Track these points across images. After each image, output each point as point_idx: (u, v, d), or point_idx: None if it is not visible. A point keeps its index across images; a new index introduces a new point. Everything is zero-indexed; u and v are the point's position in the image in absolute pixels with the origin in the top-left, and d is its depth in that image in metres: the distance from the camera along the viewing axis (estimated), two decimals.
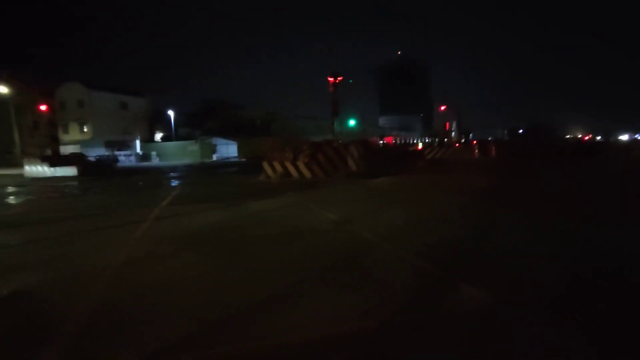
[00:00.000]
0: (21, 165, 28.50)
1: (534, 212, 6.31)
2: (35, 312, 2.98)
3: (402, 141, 40.77)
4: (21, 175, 20.80)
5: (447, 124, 30.49)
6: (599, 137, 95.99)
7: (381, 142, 41.39)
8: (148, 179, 17.62)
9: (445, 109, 29.80)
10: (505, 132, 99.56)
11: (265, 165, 14.35)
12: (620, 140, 78.88)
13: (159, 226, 6.07)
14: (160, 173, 21.90)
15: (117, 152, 42.32)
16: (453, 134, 36.41)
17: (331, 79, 20.65)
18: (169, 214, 7.09)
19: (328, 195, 9.26)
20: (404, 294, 3.09)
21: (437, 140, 30.22)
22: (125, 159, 42.05)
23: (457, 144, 27.72)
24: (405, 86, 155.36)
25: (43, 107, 21.00)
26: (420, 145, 28.00)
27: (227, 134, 47.34)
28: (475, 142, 28.03)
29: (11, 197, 11.60)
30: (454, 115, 30.26)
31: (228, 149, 45.61)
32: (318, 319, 2.67)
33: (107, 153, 40.72)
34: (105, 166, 25.90)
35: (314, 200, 8.15)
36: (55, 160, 20.52)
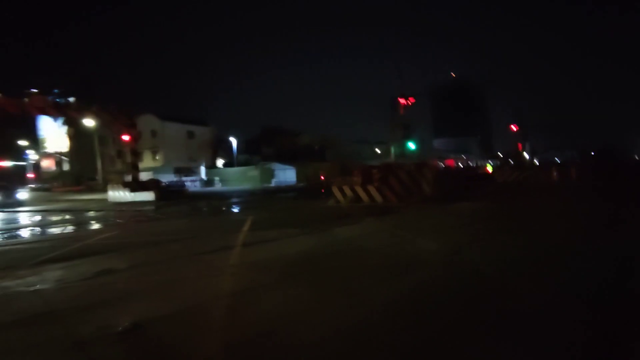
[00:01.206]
0: (103, 191, 30.98)
1: None
2: (166, 345, 2.80)
3: (466, 164, 39.01)
4: (105, 200, 22.50)
5: (520, 144, 28.65)
6: None
7: (442, 165, 39.94)
8: (218, 203, 18.16)
9: (517, 129, 28.11)
10: (575, 153, 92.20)
11: (335, 189, 14.11)
12: None
13: (251, 253, 5.92)
14: (227, 198, 22.57)
15: (184, 178, 44.79)
16: (526, 155, 34.15)
17: (402, 101, 20.27)
18: (255, 240, 6.97)
19: (412, 221, 8.72)
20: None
21: (508, 162, 28.40)
22: (191, 184, 44.29)
23: (533, 167, 25.85)
24: (461, 107, 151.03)
25: (126, 137, 22.80)
26: (489, 168, 26.51)
27: (284, 159, 48.51)
28: (554, 165, 25.97)
29: (102, 221, 12.35)
30: (525, 135, 28.42)
31: (286, 174, 46.51)
32: None
33: (175, 179, 43.22)
34: (178, 191, 27.35)
35: (401, 227, 7.68)
36: (135, 186, 21.99)
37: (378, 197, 13.04)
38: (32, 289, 4.53)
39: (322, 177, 33.40)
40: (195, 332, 3.02)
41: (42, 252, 6.84)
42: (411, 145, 33.25)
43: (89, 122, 33.14)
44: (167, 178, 41.93)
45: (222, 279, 4.51)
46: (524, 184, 21.45)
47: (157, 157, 47.95)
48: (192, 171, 48.21)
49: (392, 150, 26.74)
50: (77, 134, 46.26)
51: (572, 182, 22.60)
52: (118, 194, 22.22)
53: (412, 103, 20.52)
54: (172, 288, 4.29)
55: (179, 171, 46.48)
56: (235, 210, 14.38)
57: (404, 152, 29.52)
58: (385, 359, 2.47)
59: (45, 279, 4.92)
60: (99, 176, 44.23)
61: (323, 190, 23.91)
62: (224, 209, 15.20)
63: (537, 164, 28.53)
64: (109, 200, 22.19)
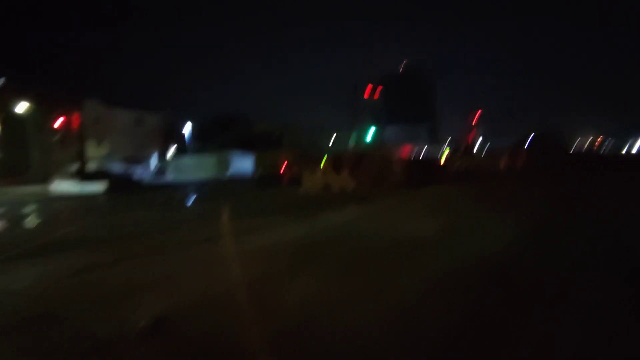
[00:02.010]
0: (41, 182, 28.43)
1: None
2: (205, 337, 2.62)
3: (421, 151, 40.57)
4: (48, 192, 20.62)
5: (472, 133, 30.20)
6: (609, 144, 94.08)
7: (399, 152, 41.05)
8: (181, 193, 17.38)
9: (472, 117, 29.55)
10: (516, 140, 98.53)
11: (306, 177, 14.04)
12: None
13: (246, 241, 5.71)
14: (187, 187, 21.67)
15: (133, 168, 42.27)
16: (478, 143, 36.15)
17: (370, 90, 20.37)
18: (243, 228, 6.73)
19: (393, 207, 8.90)
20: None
21: (461, 149, 29.91)
22: (141, 174, 41.95)
23: (484, 154, 27.42)
24: (411, 95, 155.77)
25: (71, 124, 20.94)
26: (445, 155, 27.75)
27: (241, 147, 47.29)
28: (504, 151, 27.65)
29: (57, 214, 11.35)
30: (478, 123, 30.06)
31: (243, 162, 45.45)
32: None
33: (124, 168, 40.67)
34: (132, 182, 25.71)
35: (386, 212, 7.83)
36: (84, 176, 20.37)
37: (350, 185, 13.15)
38: (14, 287, 4.06)
39: (284, 166, 33.07)
40: (230, 323, 2.86)
41: (4, 248, 6.15)
42: (370, 133, 33.89)
43: (22, 107, 30.07)
44: (114, 168, 39.37)
45: (230, 268, 4.32)
46: (477, 170, 22.67)
47: (102, 146, 44.74)
48: (143, 160, 45.60)
49: (353, 137, 27.04)
50: (7, 119, 41.87)
51: (518, 168, 24.24)
52: (64, 186, 20.46)
53: (379, 91, 20.77)
54: (180, 280, 4.04)
55: (127, 160, 43.74)
56: (203, 199, 13.84)
57: (363, 140, 30.04)
58: (433, 341, 2.49)
59: (25, 277, 4.43)
60: (34, 166, 40.51)
61: (286, 179, 23.71)
62: (190, 198, 14.58)
63: (487, 151, 30.42)
64: (53, 192, 20.36)
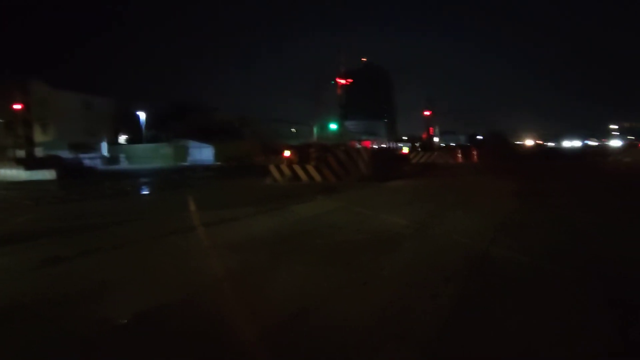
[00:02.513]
0: None
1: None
2: (194, 332, 2.53)
3: (382, 145, 41.37)
4: None
5: (431, 129, 31.22)
6: (551, 143, 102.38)
7: (358, 146, 41.57)
8: (138, 183, 16.59)
9: (429, 114, 30.51)
10: (465, 137, 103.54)
11: (273, 168, 13.90)
12: (570, 147, 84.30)
13: (219, 233, 5.59)
14: (143, 177, 20.71)
15: (81, 155, 39.64)
16: (436, 139, 37.40)
17: (341, 81, 20.35)
18: (214, 220, 6.55)
19: (362, 199, 9.02)
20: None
21: (420, 144, 30.86)
22: (90, 161, 39.47)
23: (440, 149, 28.53)
24: (370, 91, 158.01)
25: (17, 106, 19.18)
26: (405, 150, 28.56)
27: (198, 137, 45.77)
28: (458, 147, 28.97)
29: (4, 203, 10.45)
30: (435, 120, 31.20)
31: (202, 153, 44.13)
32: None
33: (71, 155, 38.05)
34: (84, 169, 24.08)
35: (357, 205, 7.92)
36: (31, 163, 18.81)
37: (317, 176, 13.20)
38: None
39: (246, 157, 32.52)
40: (219, 317, 2.81)
41: None
42: (332, 126, 34.01)
43: None
44: (61, 155, 36.69)
45: (208, 261, 4.22)
46: (435, 165, 23.57)
47: (47, 131, 41.54)
48: (91, 147, 42.87)
49: (316, 130, 27.02)
50: None
51: (473, 163, 25.54)
52: (9, 173, 18.83)
53: (349, 84, 20.84)
54: (154, 274, 3.89)
55: (74, 147, 40.92)
56: (163, 189, 13.30)
57: (326, 133, 30.08)
58: (424, 327, 2.58)
59: None
60: None
61: (247, 170, 23.36)
62: (149, 188, 13.97)
63: (444, 146, 31.61)
64: None
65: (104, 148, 44.21)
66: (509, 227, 5.71)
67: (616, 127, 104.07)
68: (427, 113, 30.26)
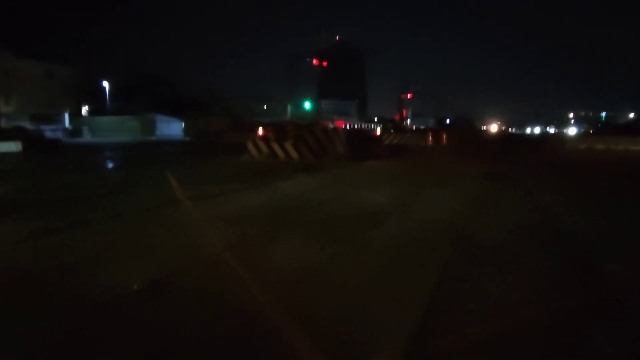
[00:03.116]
0: None
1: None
2: (208, 297, 2.70)
3: (354, 126, 41.68)
4: None
5: (404, 110, 31.74)
6: (514, 130, 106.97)
7: (331, 125, 41.75)
8: (109, 156, 16.07)
9: (407, 96, 30.96)
10: (433, 121, 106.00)
11: (250, 145, 13.86)
12: (531, 133, 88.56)
13: (208, 207, 5.67)
14: (112, 150, 20.03)
15: (42, 127, 37.41)
16: (408, 121, 38.04)
17: (316, 62, 20.20)
18: (199, 195, 6.61)
19: (343, 177, 9.26)
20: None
21: (392, 126, 31.38)
22: (51, 133, 37.39)
23: (412, 131, 29.17)
24: (342, 71, 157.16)
25: None
26: (378, 131, 28.99)
27: (166, 111, 44.27)
28: (429, 130, 29.74)
29: None
30: (408, 103, 31.69)
31: (170, 127, 42.91)
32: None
33: (32, 127, 35.84)
34: (51, 142, 22.84)
35: (338, 182, 8.18)
36: None
37: (294, 154, 13.31)
38: None
39: (217, 133, 31.91)
40: (228, 283, 2.98)
41: None
42: (307, 105, 33.94)
43: None
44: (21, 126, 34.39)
45: (204, 233, 4.34)
46: (407, 146, 24.18)
47: (9, 102, 38.67)
48: (53, 119, 40.49)
49: (289, 108, 26.88)
50: None
51: (442, 145, 26.41)
52: None
53: (324, 65, 20.74)
54: (152, 244, 3.98)
55: (35, 118, 38.50)
56: (138, 164, 13.00)
57: (300, 111, 29.99)
58: (417, 291, 2.89)
59: None
60: None
61: (217, 147, 23.04)
62: (121, 162, 13.60)
63: (416, 129, 32.38)
64: None
65: (66, 120, 41.91)
66: (482, 205, 6.16)
67: (572, 115, 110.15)
68: (407, 95, 30.68)
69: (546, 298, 2.82)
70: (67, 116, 41.85)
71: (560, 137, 43.97)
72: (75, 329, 2.31)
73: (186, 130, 38.84)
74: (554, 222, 5.14)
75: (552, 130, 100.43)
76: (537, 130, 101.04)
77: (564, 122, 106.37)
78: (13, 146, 17.24)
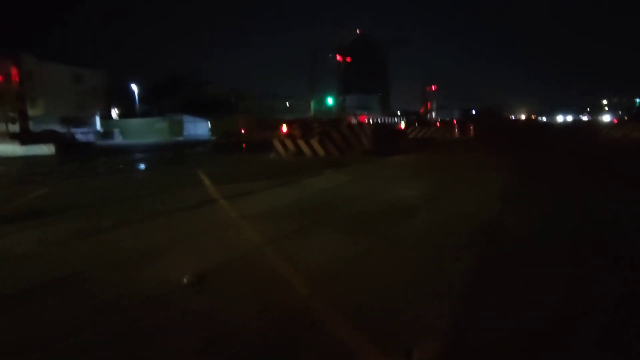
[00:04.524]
0: None
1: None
2: (256, 289, 2.84)
3: (377, 120, 41.43)
4: None
5: (428, 103, 31.27)
6: (543, 118, 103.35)
7: (354, 121, 41.60)
8: (142, 157, 16.68)
9: (431, 88, 30.49)
10: (458, 112, 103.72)
11: (277, 143, 14.06)
12: (562, 122, 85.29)
13: (243, 205, 5.85)
14: (144, 152, 20.74)
15: (73, 129, 39.11)
16: (433, 113, 37.52)
17: (340, 58, 20.23)
18: (232, 193, 6.81)
19: (371, 172, 9.29)
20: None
21: (417, 119, 31.01)
22: (83, 136, 39.03)
23: (437, 124, 28.71)
24: (364, 65, 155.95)
25: (9, 80, 18.84)
26: (403, 125, 28.72)
27: (192, 111, 45.33)
28: (455, 121, 29.19)
29: (11, 178, 10.55)
30: (433, 95, 31.17)
31: (196, 127, 43.84)
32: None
33: (62, 130, 37.56)
34: (83, 144, 23.93)
35: (366, 178, 8.24)
36: (27, 137, 18.67)
37: (320, 151, 13.41)
38: (18, 252, 3.98)
39: (243, 132, 32.46)
40: (272, 276, 3.11)
41: None
42: (329, 101, 33.96)
43: None
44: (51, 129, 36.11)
45: (242, 230, 4.50)
46: (433, 139, 23.83)
47: (36, 105, 40.67)
48: (83, 121, 42.22)
49: (312, 105, 27.02)
50: None
51: (470, 138, 25.86)
52: (3, 148, 18.67)
53: (349, 61, 20.73)
54: (194, 241, 4.17)
55: (66, 121, 40.29)
56: (170, 165, 13.45)
57: (324, 107, 30.08)
58: (454, 285, 2.92)
59: (20, 242, 4.33)
60: None
61: (244, 145, 23.43)
62: (154, 163, 14.09)
63: (440, 121, 31.91)
64: None
65: (97, 122, 43.59)
66: (514, 198, 6.08)
67: (606, 102, 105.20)
68: (432, 87, 30.16)
69: (580, 292, 2.79)
70: (98, 119, 43.47)
71: (594, 125, 42.23)
72: (133, 320, 2.49)
73: (212, 129, 39.63)
74: (589, 215, 5.02)
75: (585, 118, 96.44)
76: (569, 118, 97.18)
77: (597, 109, 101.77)
78: (46, 149, 18.09)
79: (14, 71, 18.70)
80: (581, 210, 5.21)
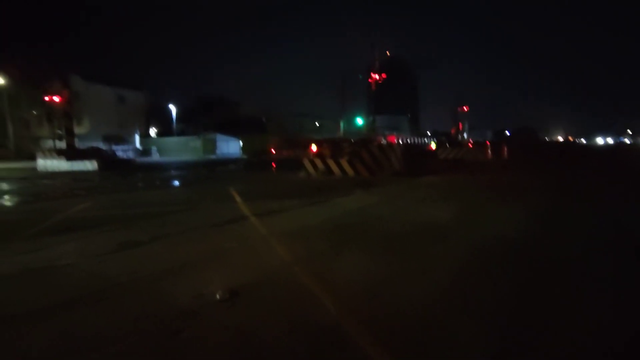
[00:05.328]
0: (18, 159, 27.44)
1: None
2: (288, 307, 2.85)
3: (407, 141, 41.18)
4: (34, 169, 20.08)
5: (460, 124, 30.86)
6: (582, 140, 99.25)
7: (384, 141, 41.47)
8: (178, 174, 17.28)
9: (462, 109, 30.14)
10: (491, 133, 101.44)
11: (307, 162, 14.22)
12: (603, 144, 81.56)
13: (273, 223, 5.92)
14: (180, 169, 21.48)
15: (114, 147, 41.20)
16: (465, 134, 36.97)
17: (374, 77, 20.46)
18: (263, 211, 6.91)
19: (400, 193, 9.21)
20: None
21: (448, 140, 30.55)
22: (123, 153, 40.98)
23: (469, 145, 28.16)
24: (394, 86, 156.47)
25: (57, 99, 20.25)
26: (433, 146, 28.39)
27: (224, 130, 46.80)
28: (488, 142, 28.56)
29: (58, 192, 11.16)
30: (464, 116, 30.80)
31: (228, 146, 45.14)
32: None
33: (104, 147, 39.63)
34: (124, 161, 25.15)
35: (396, 198, 8.15)
36: (72, 154, 19.82)
37: (350, 171, 13.43)
38: (59, 263, 4.17)
39: (273, 151, 33.09)
40: (305, 295, 3.11)
41: (24, 225, 6.15)
42: (359, 121, 34.15)
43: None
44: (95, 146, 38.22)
45: (273, 247, 4.54)
46: (464, 161, 23.34)
47: (81, 123, 43.32)
48: (124, 139, 44.47)
49: (342, 125, 27.28)
50: None
51: (503, 159, 25.14)
52: (50, 163, 19.89)
53: (380, 80, 20.92)
54: (227, 257, 4.24)
55: (108, 139, 42.58)
56: (204, 181, 13.85)
57: (354, 127, 30.25)
58: (490, 309, 2.81)
59: (63, 253, 4.54)
60: (10, 142, 38.96)
61: (274, 164, 23.79)
62: (189, 180, 14.56)
63: (472, 142, 31.28)
64: (41, 169, 19.83)
65: (137, 140, 45.73)
66: (550, 221, 5.83)
67: None
68: (464, 108, 29.82)
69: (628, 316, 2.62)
70: (137, 137, 45.64)
71: (637, 148, 40.11)
72: (172, 333, 2.55)
73: (244, 148, 40.64)
74: (632, 238, 4.74)
75: (627, 140, 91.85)
76: (609, 140, 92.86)
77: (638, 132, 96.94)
78: (89, 165, 19.10)
79: (63, 91, 20.05)
80: (625, 234, 4.92)
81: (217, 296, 3.16)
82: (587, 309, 2.80)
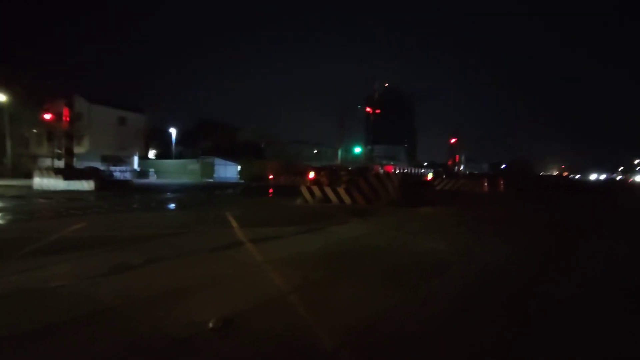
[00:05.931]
0: (15, 177, 27.37)
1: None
2: (282, 337, 2.80)
3: (404, 171, 41.44)
4: (29, 188, 19.98)
5: (457, 156, 31.26)
6: (577, 176, 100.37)
7: (381, 170, 41.78)
8: (174, 197, 17.24)
9: (456, 141, 30.62)
10: (487, 165, 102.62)
11: (304, 189, 14.26)
12: (595, 180, 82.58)
13: (269, 250, 5.88)
14: (177, 191, 21.45)
15: (112, 167, 41.28)
16: (462, 166, 37.34)
17: (369, 110, 20.96)
18: (259, 237, 6.88)
19: (397, 223, 9.20)
20: None
21: (443, 171, 30.86)
22: (121, 174, 41.01)
23: (466, 177, 28.46)
24: (391, 117, 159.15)
25: (60, 118, 20.44)
26: (429, 176, 28.63)
27: (222, 154, 47.09)
28: (485, 175, 28.89)
29: (53, 211, 11.09)
30: (461, 147, 31.26)
31: (226, 170, 45.27)
32: None
33: (103, 168, 39.68)
34: (121, 182, 25.13)
35: (393, 229, 8.14)
36: (70, 173, 19.78)
37: (347, 199, 13.46)
38: (52, 285, 4.11)
39: (270, 176, 33.21)
40: (297, 325, 3.07)
41: (19, 244, 6.07)
42: (357, 150, 34.50)
43: None
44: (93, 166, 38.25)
45: (268, 275, 4.50)
46: (461, 192, 23.50)
47: (81, 143, 43.51)
48: (122, 160, 44.57)
49: (340, 153, 27.61)
50: None
51: (500, 192, 25.35)
52: (47, 182, 19.82)
53: (376, 113, 21.40)
54: (222, 284, 4.19)
55: (106, 159, 42.67)
56: (201, 205, 13.82)
57: (351, 156, 30.57)
58: (495, 340, 2.78)
59: (57, 274, 4.47)
60: (8, 160, 38.91)
61: (271, 190, 23.83)
62: (186, 203, 14.52)
63: (468, 174, 31.58)
64: (37, 187, 19.73)
65: (136, 162, 45.82)
66: (549, 256, 5.83)
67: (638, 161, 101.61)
68: (452, 140, 30.38)
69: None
70: (136, 158, 45.76)
71: (628, 185, 40.60)
72: None
73: (242, 173, 40.76)
74: (629, 275, 4.74)
75: (618, 176, 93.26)
76: (602, 176, 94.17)
77: (630, 169, 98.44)
78: (86, 185, 19.01)
79: (65, 111, 20.24)
80: (622, 271, 4.93)
81: (210, 324, 3.11)
82: (590, 348, 2.78)
